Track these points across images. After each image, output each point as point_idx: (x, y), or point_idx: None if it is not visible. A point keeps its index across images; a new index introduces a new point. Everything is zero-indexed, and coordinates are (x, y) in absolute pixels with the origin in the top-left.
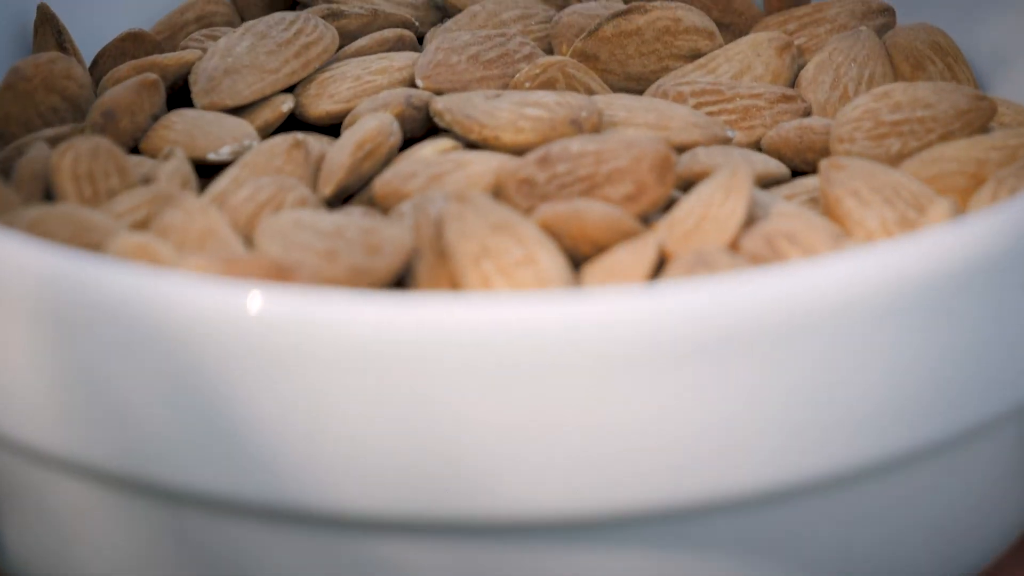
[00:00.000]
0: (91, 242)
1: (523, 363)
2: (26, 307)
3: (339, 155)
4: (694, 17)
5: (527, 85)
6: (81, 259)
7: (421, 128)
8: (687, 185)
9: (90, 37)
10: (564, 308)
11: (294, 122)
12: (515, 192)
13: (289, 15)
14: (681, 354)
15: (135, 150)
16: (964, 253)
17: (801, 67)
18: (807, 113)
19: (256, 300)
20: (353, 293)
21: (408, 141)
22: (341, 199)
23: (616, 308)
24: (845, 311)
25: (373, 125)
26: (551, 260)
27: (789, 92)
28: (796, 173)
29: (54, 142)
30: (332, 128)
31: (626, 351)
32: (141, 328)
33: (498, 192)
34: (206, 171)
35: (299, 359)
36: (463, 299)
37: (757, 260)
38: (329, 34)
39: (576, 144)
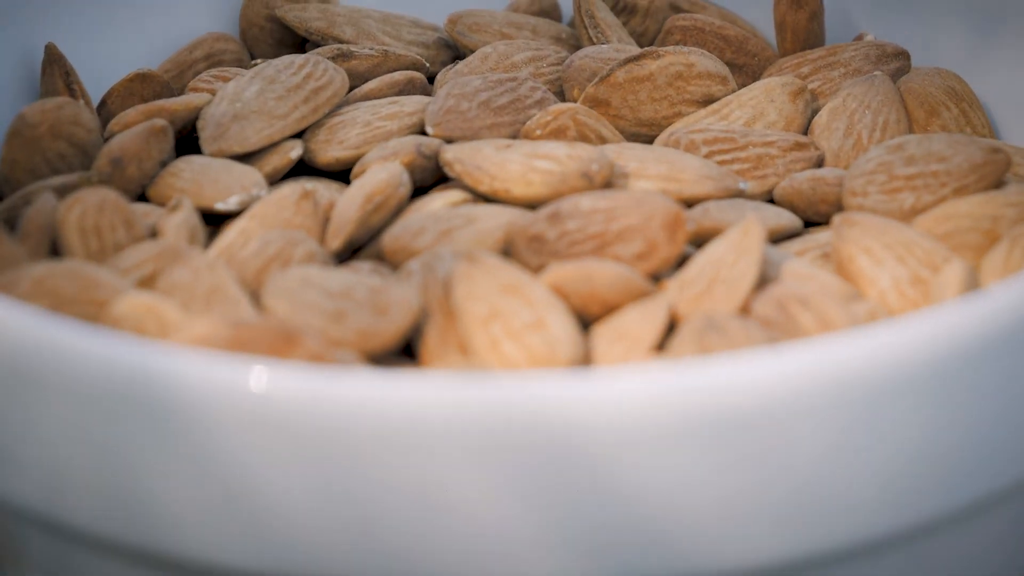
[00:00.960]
0: (97, 299)
1: (526, 446)
2: (28, 381)
3: (348, 208)
4: (707, 62)
5: (538, 133)
6: (77, 331)
7: (432, 176)
8: (699, 241)
9: (98, 74)
10: (568, 390)
11: (303, 167)
12: (525, 249)
13: (299, 59)
14: (684, 434)
15: (142, 196)
16: (980, 330)
17: (815, 111)
18: (820, 161)
19: (261, 378)
20: (356, 373)
21: (418, 189)
22: (350, 251)
23: (624, 388)
24: (862, 388)
25: (383, 177)
26: (560, 324)
27: (802, 140)
28: (808, 223)
29: (61, 192)
30: (341, 173)
31: (635, 432)
32: (146, 404)
33: (508, 248)
34: (215, 218)
35: (308, 439)
36: (469, 378)
37: (768, 325)
38: (339, 78)
39: (587, 201)
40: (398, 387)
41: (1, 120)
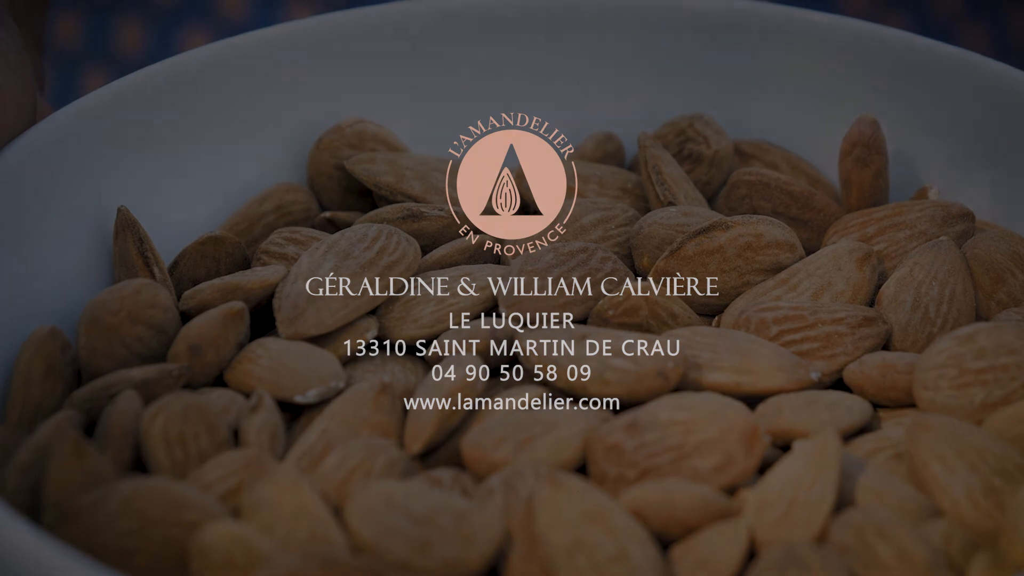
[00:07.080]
0: (186, 521)
1: None
2: None
3: (427, 411)
4: (776, 231)
5: (611, 313)
6: None
7: (506, 359)
8: (775, 443)
9: (169, 225)
10: None
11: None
12: (603, 458)
13: (372, 230)
14: None
15: (219, 378)
16: None
17: (882, 274)
18: (888, 336)
19: None
20: None
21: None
22: (429, 450)
23: None
24: None
25: (460, 376)
26: (642, 555)
27: (870, 314)
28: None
29: (142, 388)
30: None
31: None
32: None
33: (586, 456)
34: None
35: None
36: None
37: (846, 554)
38: (412, 250)
39: (665, 412)
40: None
41: (72, 277)
